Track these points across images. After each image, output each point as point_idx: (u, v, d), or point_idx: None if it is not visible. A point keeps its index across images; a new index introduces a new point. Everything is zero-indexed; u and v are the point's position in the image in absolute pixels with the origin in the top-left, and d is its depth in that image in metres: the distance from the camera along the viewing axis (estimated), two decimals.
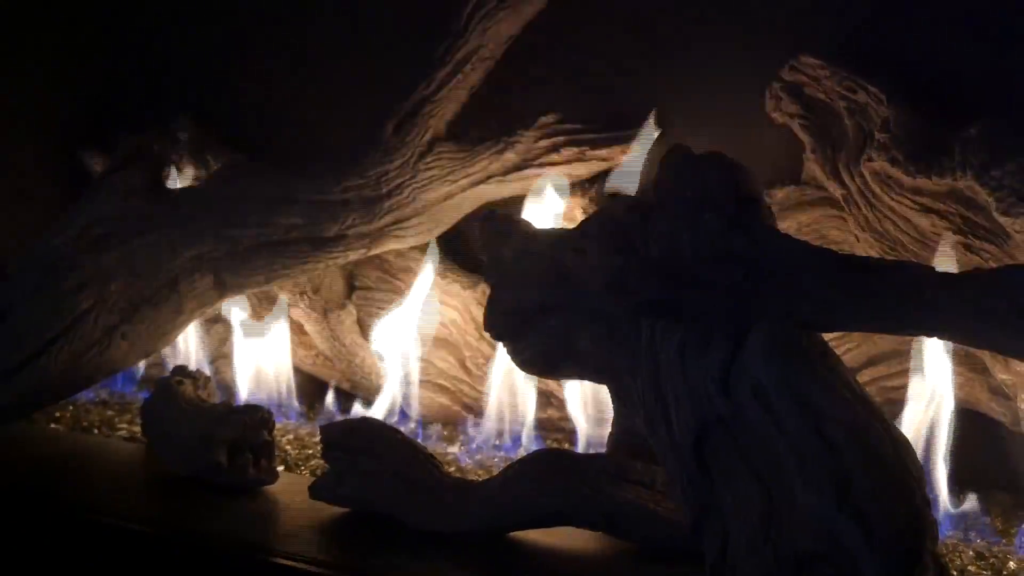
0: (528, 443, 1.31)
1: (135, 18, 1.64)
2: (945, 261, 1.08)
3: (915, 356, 1.09)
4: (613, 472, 1.04)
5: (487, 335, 1.09)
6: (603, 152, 1.31)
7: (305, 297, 1.46)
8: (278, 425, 1.26)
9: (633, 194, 1.27)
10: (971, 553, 1.03)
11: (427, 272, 1.38)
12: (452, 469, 1.23)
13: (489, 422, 1.33)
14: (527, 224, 1.16)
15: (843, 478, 0.85)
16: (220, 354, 1.50)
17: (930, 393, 1.08)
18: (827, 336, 0.93)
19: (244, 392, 1.46)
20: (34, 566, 1.18)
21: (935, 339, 1.06)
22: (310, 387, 1.51)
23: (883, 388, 1.14)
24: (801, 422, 0.87)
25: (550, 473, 1.05)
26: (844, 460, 0.86)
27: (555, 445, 1.30)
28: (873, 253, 1.14)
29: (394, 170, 1.32)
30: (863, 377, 1.13)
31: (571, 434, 1.30)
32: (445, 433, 1.38)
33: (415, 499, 1.09)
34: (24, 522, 1.19)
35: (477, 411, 1.36)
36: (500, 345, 1.11)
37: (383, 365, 1.41)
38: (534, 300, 1.04)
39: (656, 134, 1.28)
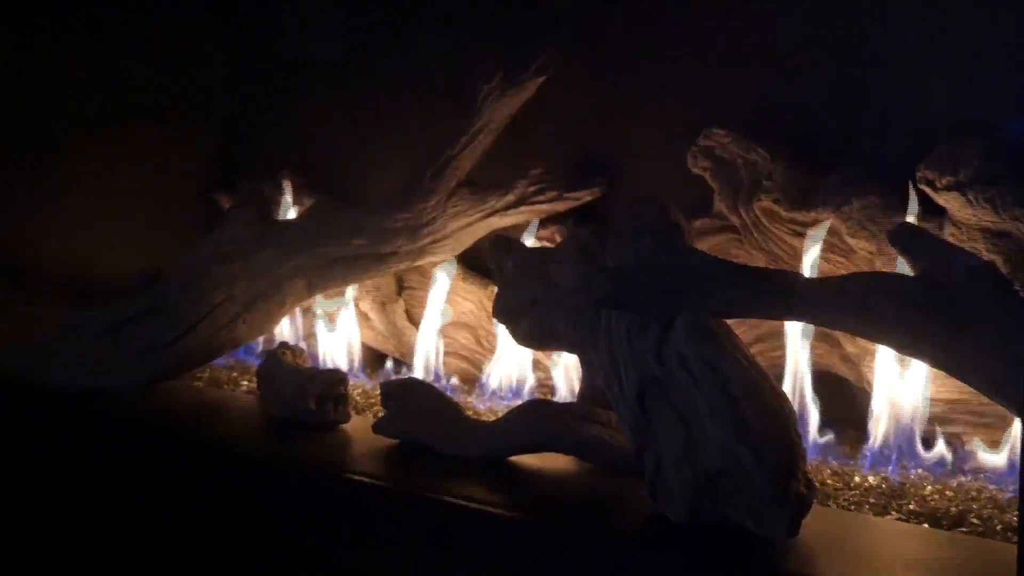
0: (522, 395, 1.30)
1: (253, 101, 1.65)
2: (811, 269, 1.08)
3: (789, 335, 1.09)
4: (581, 415, 1.03)
5: (495, 320, 1.09)
6: (575, 194, 1.30)
7: (369, 294, 1.45)
8: (350, 382, 1.25)
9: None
10: (829, 471, 1.03)
11: (442, 281, 1.39)
12: (470, 412, 1.22)
13: (494, 379, 1.32)
14: (522, 244, 1.16)
15: (740, 420, 0.85)
16: (310, 333, 1.50)
17: (799, 361, 1.08)
18: (729, 321, 0.93)
19: (327, 360, 1.45)
20: (180, 483, 1.18)
21: (803, 323, 1.06)
22: (372, 356, 1.50)
23: (769, 358, 1.14)
24: (711, 381, 0.87)
25: (537, 416, 1.05)
26: (741, 407, 0.85)
27: (541, 397, 1.29)
28: (761, 264, 1.14)
29: (430, 207, 1.32)
30: (754, 350, 1.12)
31: (552, 389, 1.30)
32: (466, 388, 1.37)
33: (444, 434, 1.09)
34: (175, 450, 1.19)
35: (486, 372, 1.36)
36: (503, 327, 1.10)
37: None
38: (527, 297, 1.04)
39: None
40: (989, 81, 1.04)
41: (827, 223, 1.07)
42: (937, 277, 0.82)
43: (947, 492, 0.97)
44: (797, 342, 1.08)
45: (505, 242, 1.13)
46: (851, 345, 1.09)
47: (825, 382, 1.09)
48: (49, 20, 1.44)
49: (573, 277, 0.99)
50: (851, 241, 1.06)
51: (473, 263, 1.40)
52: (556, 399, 1.26)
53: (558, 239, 1.27)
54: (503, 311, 1.06)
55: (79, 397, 1.29)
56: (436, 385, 1.20)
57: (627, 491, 0.95)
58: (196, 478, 1.16)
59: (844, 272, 1.06)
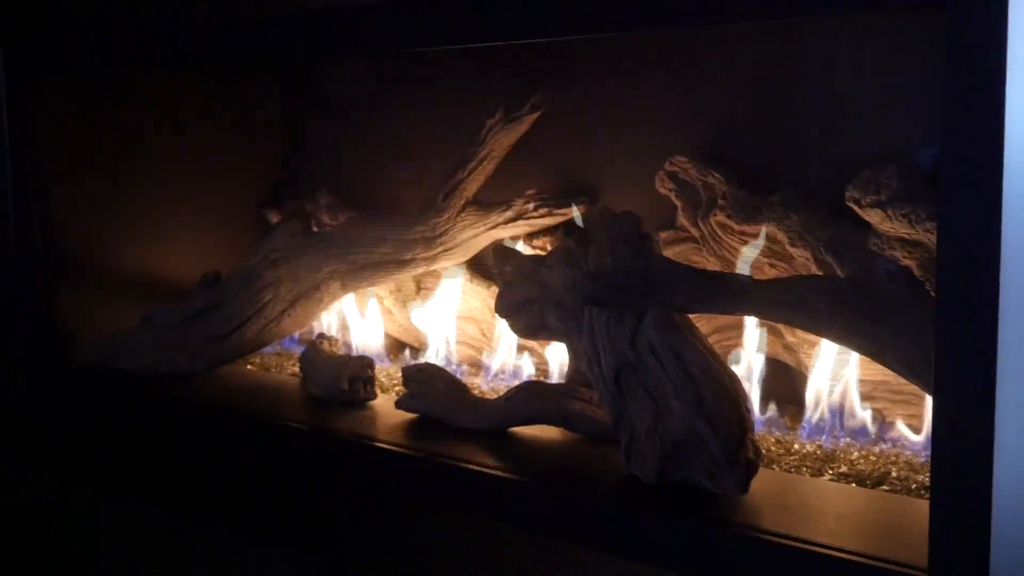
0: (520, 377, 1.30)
1: (298, 135, 1.64)
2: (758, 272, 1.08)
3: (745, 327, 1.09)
4: (568, 393, 1.04)
5: (496, 315, 1.09)
6: (563, 211, 1.30)
7: (392, 294, 1.45)
8: (377, 366, 1.25)
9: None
10: (773, 440, 1.03)
11: (453, 282, 1.37)
12: (476, 391, 1.22)
13: (495, 364, 1.32)
14: (519, 252, 1.16)
15: (699, 396, 0.85)
16: (344, 326, 1.49)
17: (749, 348, 1.08)
18: (691, 316, 0.93)
19: (357, 347, 1.45)
20: (235, 450, 1.17)
21: (752, 318, 1.06)
22: (395, 345, 1.50)
23: (724, 346, 1.14)
24: (676, 365, 0.87)
25: (532, 394, 1.05)
26: (700, 386, 0.86)
27: (534, 378, 1.29)
28: (717, 269, 1.13)
29: (443, 221, 1.31)
30: (712, 339, 1.12)
31: (544, 372, 1.29)
32: (472, 371, 1.37)
33: (455, 409, 1.09)
34: (232, 423, 1.19)
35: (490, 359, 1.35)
36: (503, 321, 1.10)
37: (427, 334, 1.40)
38: (523, 296, 1.04)
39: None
40: (903, 117, 1.05)
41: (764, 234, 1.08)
42: (863, 279, 0.82)
43: (871, 457, 0.97)
44: (748, 333, 1.08)
45: (505, 250, 1.13)
46: (791, 336, 1.09)
47: (769, 367, 1.09)
48: (143, 77, 1.48)
49: (562, 279, 0.99)
50: (791, 250, 1.06)
51: (478, 268, 1.40)
52: (548, 380, 1.26)
53: (549, 248, 1.27)
54: (503, 307, 1.07)
55: (154, 379, 1.29)
56: (448, 369, 1.20)
57: (606, 457, 0.96)
58: (249, 446, 1.16)
59: (786, 275, 1.06)
